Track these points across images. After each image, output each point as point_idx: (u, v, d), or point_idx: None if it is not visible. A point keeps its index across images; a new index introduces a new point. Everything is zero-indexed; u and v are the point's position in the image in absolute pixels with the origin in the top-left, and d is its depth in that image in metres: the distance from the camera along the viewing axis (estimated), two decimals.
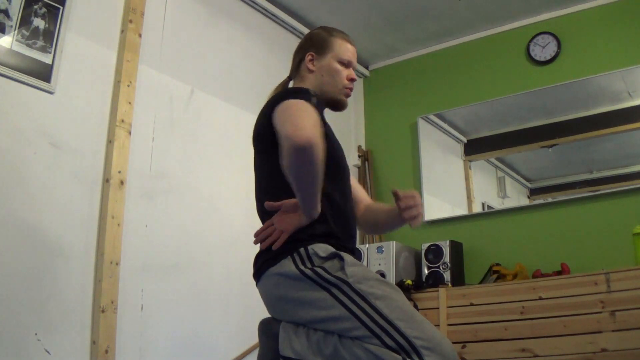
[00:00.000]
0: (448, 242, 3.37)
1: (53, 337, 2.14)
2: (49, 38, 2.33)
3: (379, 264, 3.39)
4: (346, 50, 1.67)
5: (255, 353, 1.92)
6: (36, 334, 2.09)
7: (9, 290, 2.05)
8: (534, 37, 3.72)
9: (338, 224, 1.51)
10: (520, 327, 2.74)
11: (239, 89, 3.29)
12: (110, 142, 2.49)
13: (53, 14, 2.36)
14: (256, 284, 1.51)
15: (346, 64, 1.66)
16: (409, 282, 3.18)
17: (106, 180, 2.44)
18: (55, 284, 2.19)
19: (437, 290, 3.07)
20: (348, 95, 1.68)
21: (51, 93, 2.32)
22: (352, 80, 1.67)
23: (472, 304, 2.93)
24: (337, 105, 1.68)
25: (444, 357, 1.23)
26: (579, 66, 3.53)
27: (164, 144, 2.78)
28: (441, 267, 3.32)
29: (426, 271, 3.36)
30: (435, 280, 3.28)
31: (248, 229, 3.09)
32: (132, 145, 2.58)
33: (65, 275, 2.23)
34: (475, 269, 3.45)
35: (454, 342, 2.90)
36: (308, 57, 1.66)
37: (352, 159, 4.15)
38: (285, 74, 1.78)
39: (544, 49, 3.67)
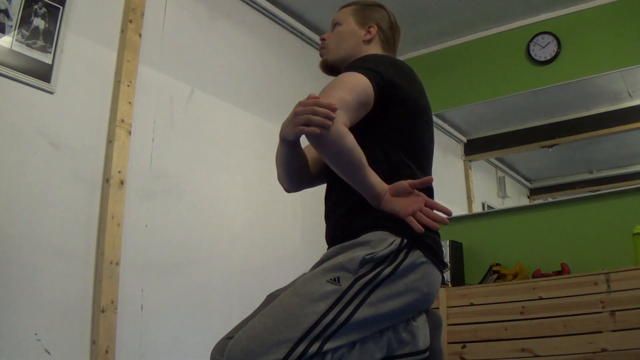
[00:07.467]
0: (448, 242, 3.36)
1: (53, 337, 2.14)
2: (49, 38, 2.33)
3: None
4: None
5: None
6: (36, 334, 2.09)
7: (9, 290, 2.05)
8: (534, 37, 3.72)
9: None
10: (520, 327, 2.74)
11: (239, 89, 3.29)
12: (110, 142, 2.49)
13: (53, 14, 2.36)
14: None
15: None
16: None
17: (106, 180, 2.44)
18: (55, 284, 2.19)
19: None
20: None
21: (51, 93, 2.32)
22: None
23: (472, 304, 2.93)
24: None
25: None
26: (579, 66, 3.52)
27: (164, 144, 2.78)
28: None
29: None
30: None
31: (248, 228, 3.14)
32: (132, 145, 2.58)
33: (65, 275, 2.23)
34: (475, 269, 3.45)
35: (454, 342, 2.93)
36: None
37: None
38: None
39: (544, 49, 3.67)
